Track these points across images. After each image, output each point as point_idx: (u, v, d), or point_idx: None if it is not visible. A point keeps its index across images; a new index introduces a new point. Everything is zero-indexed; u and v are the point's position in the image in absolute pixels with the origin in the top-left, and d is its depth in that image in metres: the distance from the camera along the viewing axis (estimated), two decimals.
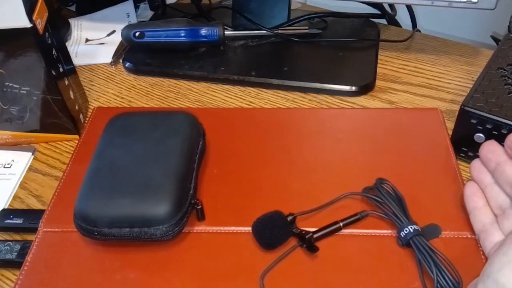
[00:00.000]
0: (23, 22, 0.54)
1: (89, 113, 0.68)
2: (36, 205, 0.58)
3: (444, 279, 0.44)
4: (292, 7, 0.82)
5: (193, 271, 0.49)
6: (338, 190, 0.54)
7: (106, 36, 0.85)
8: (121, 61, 0.79)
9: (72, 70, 0.67)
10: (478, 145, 0.57)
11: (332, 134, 0.62)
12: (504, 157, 0.47)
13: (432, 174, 0.56)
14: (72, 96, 0.64)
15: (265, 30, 0.78)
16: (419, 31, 0.83)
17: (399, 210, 0.50)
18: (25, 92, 0.60)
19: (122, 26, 0.78)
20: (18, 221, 0.55)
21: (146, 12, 0.91)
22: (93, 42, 0.84)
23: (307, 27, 0.80)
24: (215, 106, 0.71)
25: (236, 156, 0.60)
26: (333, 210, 0.53)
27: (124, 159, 0.52)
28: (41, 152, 0.65)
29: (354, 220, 0.51)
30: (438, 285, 0.45)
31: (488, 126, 0.55)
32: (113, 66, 0.79)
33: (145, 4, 0.92)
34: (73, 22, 0.88)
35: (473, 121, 0.56)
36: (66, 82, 0.63)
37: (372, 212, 0.52)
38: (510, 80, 0.59)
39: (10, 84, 0.59)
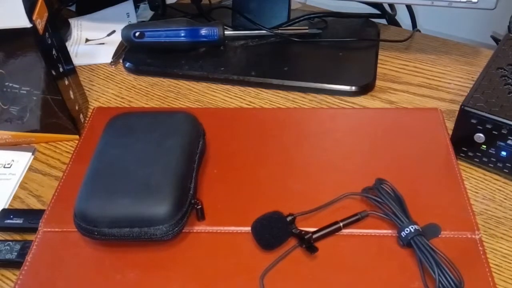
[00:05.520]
0: (23, 22, 0.54)
1: (89, 113, 0.68)
2: (36, 205, 0.58)
3: (446, 279, 0.44)
4: (292, 7, 0.82)
5: (193, 271, 0.49)
6: (338, 190, 0.54)
7: (106, 36, 0.85)
8: (121, 61, 0.79)
9: (72, 70, 0.67)
10: (478, 145, 0.57)
11: (332, 134, 0.62)
12: None
13: (432, 174, 0.56)
14: (72, 96, 0.64)
15: (265, 30, 0.78)
16: (419, 31, 0.83)
17: (399, 210, 0.50)
18: (25, 92, 0.59)
19: (122, 26, 0.78)
20: (18, 221, 0.55)
21: (146, 12, 0.91)
22: (93, 42, 0.84)
23: (307, 27, 0.80)
24: (215, 106, 0.70)
25: (236, 156, 0.60)
26: (333, 210, 0.53)
27: (124, 159, 0.52)
28: (41, 152, 0.65)
29: (354, 220, 0.51)
30: (440, 285, 0.45)
31: (488, 126, 0.55)
32: (113, 66, 0.79)
33: (145, 4, 0.92)
34: (73, 22, 0.88)
35: (473, 121, 0.56)
36: (66, 82, 0.63)
37: (372, 212, 0.52)
38: (510, 80, 0.59)
39: (10, 84, 0.59)
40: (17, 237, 0.55)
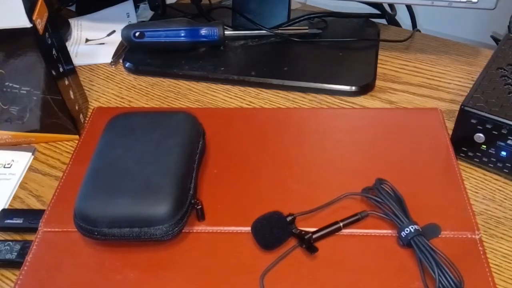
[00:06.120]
0: (23, 22, 0.54)
1: (89, 113, 0.68)
2: (36, 205, 0.58)
3: (446, 279, 0.44)
4: (292, 7, 0.82)
5: (193, 271, 0.49)
6: (337, 190, 0.54)
7: (106, 36, 0.85)
8: (121, 61, 0.79)
9: (72, 70, 0.67)
10: (478, 145, 0.57)
11: (332, 134, 0.62)
12: None
13: (432, 174, 0.56)
14: (72, 96, 0.64)
15: (265, 30, 0.78)
16: (419, 31, 0.83)
17: (399, 210, 0.50)
18: (25, 92, 0.59)
19: (122, 26, 0.78)
20: (18, 221, 0.55)
21: (146, 12, 0.91)
22: (93, 42, 0.84)
23: (307, 27, 0.80)
24: (215, 106, 0.70)
25: (236, 156, 0.60)
26: (332, 210, 0.53)
27: (124, 159, 0.52)
28: (41, 152, 0.65)
29: (354, 220, 0.51)
30: (440, 285, 0.45)
31: (488, 126, 0.55)
32: (113, 66, 0.79)
33: (145, 4, 0.92)
34: (73, 22, 0.88)
35: (473, 121, 0.56)
36: (66, 82, 0.63)
37: (372, 212, 0.52)
38: (510, 80, 0.59)
39: (10, 84, 0.59)
40: (17, 237, 0.55)
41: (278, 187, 0.56)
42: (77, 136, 0.65)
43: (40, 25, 0.57)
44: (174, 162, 0.52)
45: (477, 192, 0.57)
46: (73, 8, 0.93)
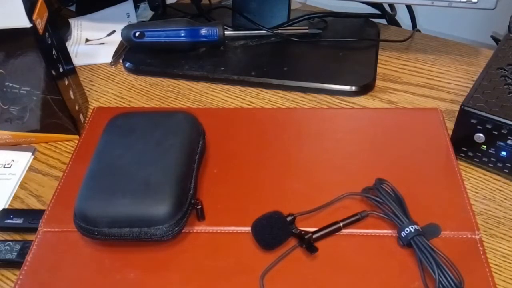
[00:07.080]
0: (23, 22, 0.54)
1: (89, 113, 0.68)
2: (36, 205, 0.58)
3: (446, 279, 0.44)
4: (292, 7, 0.82)
5: (193, 271, 0.49)
6: (338, 190, 0.54)
7: (106, 36, 0.85)
8: (121, 61, 0.79)
9: (72, 70, 0.67)
10: (478, 145, 0.57)
11: (332, 134, 0.62)
12: None
13: (432, 174, 0.56)
14: (72, 96, 0.64)
15: (265, 30, 0.78)
16: (419, 31, 0.83)
17: (399, 210, 0.50)
18: (25, 92, 0.59)
19: (122, 26, 0.78)
20: (18, 221, 0.55)
21: (146, 12, 0.91)
22: (93, 42, 0.84)
23: (307, 27, 0.80)
24: (215, 106, 0.70)
25: (236, 156, 0.60)
26: (332, 210, 0.53)
27: (124, 159, 0.52)
28: (41, 152, 0.65)
29: (354, 220, 0.51)
30: (440, 285, 0.45)
31: (488, 126, 0.55)
32: (113, 66, 0.79)
33: (145, 4, 0.92)
34: (73, 22, 0.88)
35: (473, 121, 0.56)
36: (66, 82, 0.63)
37: (372, 212, 0.52)
38: (510, 80, 0.59)
39: (10, 84, 0.59)
40: (17, 237, 0.55)
41: (278, 187, 0.56)
42: (77, 136, 0.65)
43: (40, 25, 0.57)
44: (174, 162, 0.52)
45: (477, 192, 0.57)
46: (73, 8, 0.93)
